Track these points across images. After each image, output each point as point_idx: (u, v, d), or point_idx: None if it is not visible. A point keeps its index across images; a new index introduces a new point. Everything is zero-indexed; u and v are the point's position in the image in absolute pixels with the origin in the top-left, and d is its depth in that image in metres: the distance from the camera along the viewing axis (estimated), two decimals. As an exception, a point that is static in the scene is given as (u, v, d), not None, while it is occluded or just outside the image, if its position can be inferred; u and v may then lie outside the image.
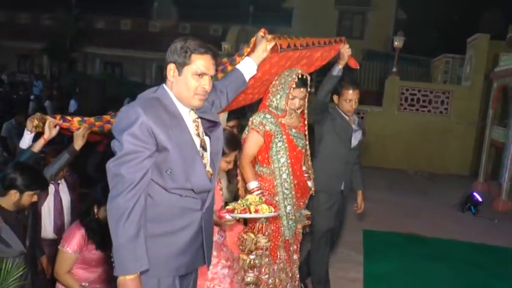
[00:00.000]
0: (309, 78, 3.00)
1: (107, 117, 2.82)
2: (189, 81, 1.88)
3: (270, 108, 3.02)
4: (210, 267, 2.51)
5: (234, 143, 2.67)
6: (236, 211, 2.28)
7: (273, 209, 2.37)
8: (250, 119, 3.04)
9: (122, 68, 24.85)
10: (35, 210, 2.90)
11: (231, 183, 3.07)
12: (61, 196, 3.40)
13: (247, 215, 2.30)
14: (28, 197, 2.57)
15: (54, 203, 3.36)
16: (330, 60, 3.28)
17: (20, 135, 2.91)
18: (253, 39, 2.42)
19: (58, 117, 2.77)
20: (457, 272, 4.97)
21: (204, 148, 1.98)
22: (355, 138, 3.60)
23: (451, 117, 11.56)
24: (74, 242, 2.75)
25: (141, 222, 1.77)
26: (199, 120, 1.99)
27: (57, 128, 2.77)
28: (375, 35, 18.81)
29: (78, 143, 2.85)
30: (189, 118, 1.95)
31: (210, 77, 1.92)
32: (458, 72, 13.54)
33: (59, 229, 3.36)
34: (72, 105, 13.35)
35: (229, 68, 2.48)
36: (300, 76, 2.93)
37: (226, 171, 2.87)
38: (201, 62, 1.88)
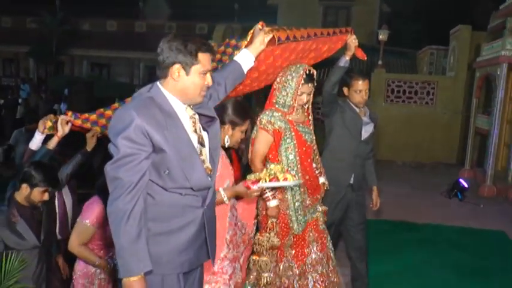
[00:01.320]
0: (315, 73, 2.98)
1: (115, 105, 2.81)
2: (197, 80, 1.88)
3: (277, 106, 2.99)
4: (218, 261, 2.57)
5: (244, 111, 2.65)
6: (262, 181, 2.28)
7: (295, 178, 2.40)
8: (258, 118, 3.00)
9: (109, 69, 24.77)
10: (50, 209, 2.98)
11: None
12: (64, 198, 3.46)
13: (277, 183, 2.31)
14: (38, 194, 2.65)
15: (58, 204, 3.42)
16: (335, 51, 3.23)
17: (28, 142, 2.95)
18: (251, 32, 2.43)
19: (69, 113, 2.78)
20: (444, 254, 5.16)
21: (202, 144, 1.97)
22: (366, 131, 3.53)
23: (437, 107, 11.77)
24: (94, 215, 2.76)
25: (142, 223, 1.77)
26: (196, 116, 1.98)
27: (69, 124, 2.78)
28: (360, 29, 18.86)
29: (89, 145, 2.98)
30: (186, 114, 1.93)
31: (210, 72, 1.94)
32: (443, 63, 13.76)
33: (64, 230, 3.41)
34: (61, 107, 13.34)
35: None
36: (307, 72, 2.92)
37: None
38: (206, 60, 1.89)
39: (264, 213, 2.95)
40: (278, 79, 2.99)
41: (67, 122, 2.76)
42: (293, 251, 3.07)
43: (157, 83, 1.92)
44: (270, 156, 3.02)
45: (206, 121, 2.03)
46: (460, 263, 4.90)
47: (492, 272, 4.74)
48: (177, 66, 1.86)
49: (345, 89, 3.49)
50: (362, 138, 3.51)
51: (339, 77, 3.28)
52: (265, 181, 2.29)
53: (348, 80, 3.42)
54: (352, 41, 3.11)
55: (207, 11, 23.25)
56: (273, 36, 2.38)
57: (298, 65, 2.95)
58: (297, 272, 3.06)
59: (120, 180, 1.75)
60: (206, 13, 23.30)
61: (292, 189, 2.96)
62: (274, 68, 2.87)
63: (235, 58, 2.36)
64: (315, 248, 3.12)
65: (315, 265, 3.11)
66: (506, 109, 8.68)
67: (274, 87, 3.02)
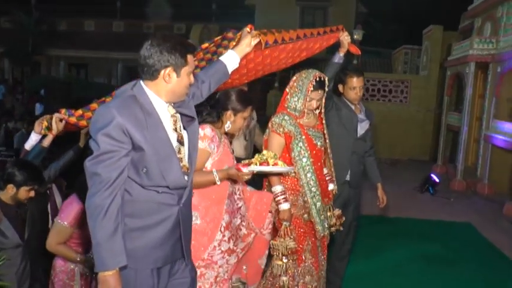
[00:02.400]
0: (326, 79, 3.03)
1: (109, 99, 2.71)
2: (185, 80, 1.93)
3: (289, 110, 3.04)
4: (209, 249, 2.62)
5: (246, 99, 2.74)
6: (253, 164, 2.36)
7: (287, 165, 2.45)
8: (270, 121, 3.06)
9: (87, 70, 24.51)
10: (43, 209, 3.00)
11: (247, 140, 3.14)
12: (55, 197, 3.45)
13: (267, 168, 2.38)
14: (24, 192, 2.67)
15: (50, 204, 3.42)
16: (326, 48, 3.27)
17: None
18: (238, 34, 2.48)
19: (63, 111, 2.74)
20: (416, 245, 5.36)
21: (181, 143, 1.99)
22: (362, 128, 3.53)
23: (410, 105, 12.07)
24: (72, 216, 2.78)
25: (119, 219, 1.79)
26: (177, 115, 2.00)
27: (64, 122, 2.74)
28: None
29: (82, 141, 2.98)
30: (167, 113, 1.96)
31: None
32: (417, 62, 14.13)
33: None
34: (38, 108, 13.23)
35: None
36: (317, 79, 2.97)
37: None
38: (192, 61, 1.94)
39: (278, 217, 2.98)
40: (290, 83, 3.07)
41: (61, 120, 2.74)
42: (313, 258, 3.11)
43: (141, 82, 1.93)
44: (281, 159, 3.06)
45: (187, 120, 2.06)
46: (430, 253, 5.10)
47: (459, 261, 4.97)
48: (169, 69, 1.88)
49: (340, 86, 3.50)
50: (357, 136, 3.52)
51: (333, 73, 3.29)
52: (256, 165, 2.37)
53: (343, 77, 3.45)
54: (345, 37, 3.18)
55: (185, 11, 23.24)
56: (260, 40, 2.43)
57: (309, 71, 3.02)
58: (316, 277, 3.11)
59: (98, 176, 1.77)
60: (184, 13, 23.29)
61: (311, 191, 3.02)
62: (264, 65, 2.92)
63: (220, 58, 2.40)
64: (320, 252, 3.20)
65: (321, 269, 3.20)
66: (475, 106, 8.99)
67: (287, 91, 3.09)
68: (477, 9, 9.15)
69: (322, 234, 3.08)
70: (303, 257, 3.07)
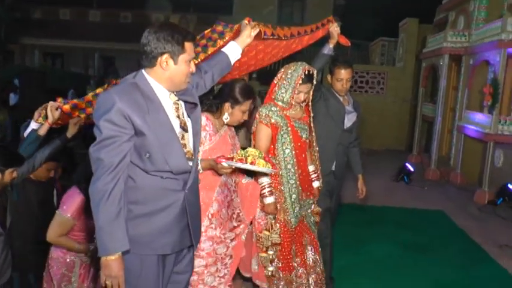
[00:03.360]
0: (315, 72, 3.04)
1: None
2: (184, 68, 1.96)
3: (276, 101, 3.06)
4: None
5: (247, 91, 2.77)
6: (234, 160, 2.39)
7: (270, 165, 2.47)
8: (257, 112, 3.07)
9: (63, 59, 24.04)
10: (47, 200, 3.00)
11: (250, 132, 3.14)
12: None
13: (243, 165, 2.39)
14: (9, 175, 2.62)
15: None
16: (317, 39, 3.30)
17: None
18: (237, 26, 2.52)
19: (59, 99, 2.76)
20: (390, 232, 5.54)
21: (184, 129, 2.02)
22: (349, 120, 3.55)
23: (387, 96, 12.29)
24: (74, 208, 2.79)
25: (121, 204, 1.82)
26: (180, 102, 2.04)
27: (59, 110, 2.74)
28: (314, 21, 18.80)
29: (70, 131, 2.94)
30: (169, 101, 1.99)
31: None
32: (393, 54, 14.35)
33: None
34: (12, 98, 12.96)
35: (211, 49, 2.57)
36: (306, 72, 2.97)
37: (243, 123, 2.96)
38: (191, 49, 1.97)
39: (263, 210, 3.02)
40: (279, 75, 3.07)
41: (56, 108, 2.74)
42: (298, 259, 3.15)
43: (143, 70, 1.97)
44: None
45: (190, 107, 2.10)
46: (404, 240, 5.27)
47: (431, 246, 5.16)
48: (165, 56, 1.91)
49: (329, 77, 3.53)
50: (345, 127, 3.53)
51: (322, 64, 3.30)
52: (235, 161, 2.40)
53: (332, 68, 3.47)
54: (335, 29, 3.21)
55: (163, 1, 22.97)
56: (260, 30, 2.48)
57: (298, 64, 3.02)
58: (304, 275, 3.15)
59: (101, 161, 1.81)
60: (162, 3, 23.02)
61: (288, 182, 3.04)
62: (256, 60, 2.98)
63: (223, 49, 2.43)
64: (310, 251, 3.22)
65: (313, 266, 3.22)
66: (449, 97, 9.23)
67: (275, 82, 3.09)
68: (451, 3, 9.35)
69: (294, 226, 3.09)
70: (292, 264, 3.09)
